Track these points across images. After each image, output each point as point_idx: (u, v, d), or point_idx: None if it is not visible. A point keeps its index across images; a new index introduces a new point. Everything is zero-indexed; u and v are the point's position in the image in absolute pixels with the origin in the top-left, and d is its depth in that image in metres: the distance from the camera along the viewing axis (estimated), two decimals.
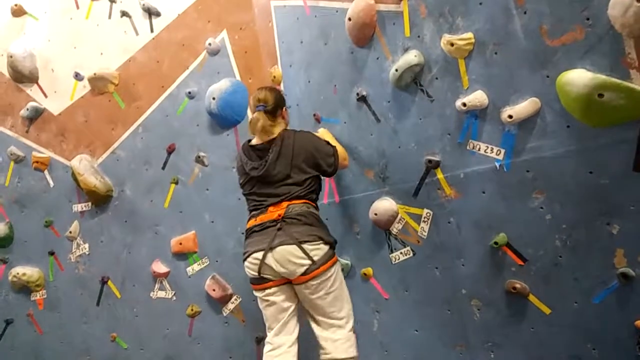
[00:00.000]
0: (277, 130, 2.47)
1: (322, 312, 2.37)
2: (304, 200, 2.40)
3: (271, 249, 2.30)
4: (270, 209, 2.38)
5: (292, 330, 2.43)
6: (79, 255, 3.80)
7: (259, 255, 2.34)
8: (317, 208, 2.49)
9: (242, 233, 3.19)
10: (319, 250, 2.31)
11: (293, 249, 2.28)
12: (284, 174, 2.39)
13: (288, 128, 2.58)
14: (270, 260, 2.32)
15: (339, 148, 2.58)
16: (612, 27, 1.85)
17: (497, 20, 2.14)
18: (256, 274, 2.38)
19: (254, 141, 2.52)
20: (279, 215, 2.33)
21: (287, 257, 2.29)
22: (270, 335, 2.43)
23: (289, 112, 2.71)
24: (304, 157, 2.41)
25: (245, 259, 2.44)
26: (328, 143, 2.51)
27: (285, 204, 2.36)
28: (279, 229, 2.31)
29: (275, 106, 2.48)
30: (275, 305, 2.39)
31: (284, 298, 2.39)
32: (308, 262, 2.27)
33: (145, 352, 3.63)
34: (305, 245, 2.28)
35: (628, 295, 2.04)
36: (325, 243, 2.35)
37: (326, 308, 2.35)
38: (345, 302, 2.42)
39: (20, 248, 3.99)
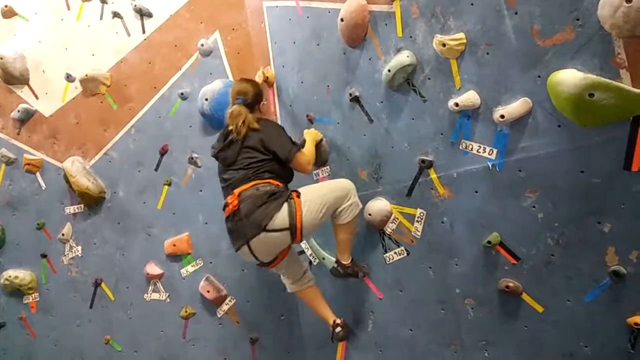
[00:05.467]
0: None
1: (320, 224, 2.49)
2: (252, 183, 2.41)
3: (249, 242, 2.38)
4: (228, 200, 2.43)
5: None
6: (71, 258, 3.78)
7: (244, 249, 2.42)
8: (268, 184, 2.43)
9: None
10: (281, 215, 2.33)
11: (264, 237, 2.34)
12: (230, 160, 2.50)
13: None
14: (255, 250, 2.40)
15: (308, 153, 2.59)
16: (601, 27, 1.87)
17: (489, 20, 2.15)
18: (256, 261, 2.49)
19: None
20: (235, 207, 2.38)
21: (267, 244, 2.39)
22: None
23: (265, 106, 2.80)
24: (255, 144, 2.45)
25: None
26: (294, 143, 2.53)
27: (237, 191, 2.40)
28: (239, 220, 2.36)
29: (254, 100, 2.58)
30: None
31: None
32: (286, 232, 2.34)
33: (139, 355, 3.61)
34: (270, 227, 2.32)
35: (620, 292, 2.06)
36: (280, 205, 2.35)
37: (324, 221, 2.49)
38: (334, 192, 2.48)
39: (12, 251, 3.95)
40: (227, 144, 2.53)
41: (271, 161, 2.47)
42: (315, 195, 2.45)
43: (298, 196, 2.41)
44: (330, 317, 2.69)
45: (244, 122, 2.50)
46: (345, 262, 2.62)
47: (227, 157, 2.52)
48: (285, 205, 2.35)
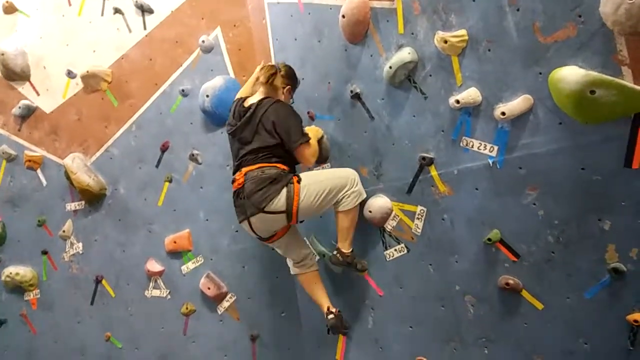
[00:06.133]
0: (266, 93, 2.62)
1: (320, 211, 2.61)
2: (258, 165, 2.50)
3: (248, 218, 2.52)
4: (236, 176, 2.56)
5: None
6: (72, 255, 3.79)
7: (245, 224, 2.56)
8: (274, 168, 2.50)
9: (237, 231, 3.21)
10: (279, 200, 2.44)
11: (262, 216, 2.47)
12: (246, 140, 2.57)
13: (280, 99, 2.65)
14: (254, 226, 2.54)
15: (312, 146, 2.60)
16: (603, 24, 1.87)
17: (490, 17, 2.15)
18: (256, 235, 2.62)
19: (247, 100, 2.67)
20: (240, 184, 2.51)
21: (265, 223, 2.52)
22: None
23: (292, 95, 2.77)
24: (270, 127, 2.51)
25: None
26: (303, 134, 2.56)
27: (244, 170, 2.53)
28: (243, 198, 2.50)
29: (285, 74, 2.65)
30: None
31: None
32: (283, 215, 2.46)
33: (139, 351, 3.62)
34: (267, 208, 2.44)
35: (619, 290, 2.06)
36: (280, 189, 2.44)
37: (323, 209, 2.58)
38: (334, 180, 2.55)
39: (13, 247, 3.96)
40: (244, 122, 2.57)
41: (281, 146, 2.55)
42: (315, 181, 2.53)
43: (298, 181, 2.49)
44: (325, 304, 2.71)
45: (273, 72, 2.60)
46: (345, 251, 2.63)
47: (243, 137, 2.58)
48: (284, 190, 2.45)
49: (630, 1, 1.74)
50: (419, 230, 2.56)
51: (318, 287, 2.75)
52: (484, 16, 2.16)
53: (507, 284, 2.30)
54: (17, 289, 3.94)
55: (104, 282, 3.70)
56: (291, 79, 2.70)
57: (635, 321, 2.03)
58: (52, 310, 3.90)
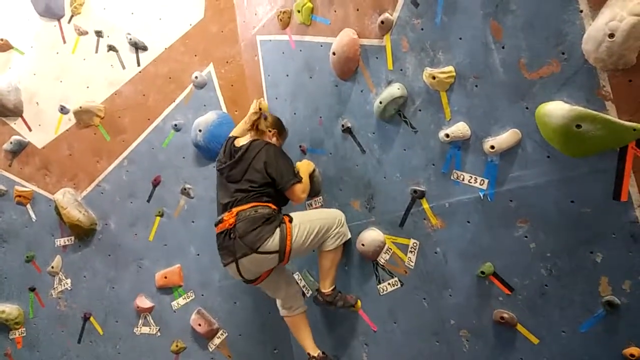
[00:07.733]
0: (257, 135, 2.67)
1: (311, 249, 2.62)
2: (251, 204, 2.48)
3: (237, 260, 2.46)
4: (225, 217, 2.50)
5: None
6: (60, 291, 3.72)
7: (232, 266, 2.50)
8: (267, 207, 2.50)
9: None
10: (273, 240, 2.43)
11: (254, 257, 2.43)
12: (235, 178, 2.57)
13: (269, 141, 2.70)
14: (242, 268, 2.49)
15: (303, 183, 2.64)
16: (586, 61, 1.92)
17: (477, 54, 2.20)
18: (241, 278, 2.57)
19: (237, 140, 2.71)
20: (230, 225, 2.46)
21: (255, 264, 2.48)
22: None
23: (280, 142, 2.82)
24: (260, 167, 2.53)
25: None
26: (295, 174, 2.61)
27: (235, 210, 2.48)
28: (233, 238, 2.45)
29: (271, 122, 2.72)
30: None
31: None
32: (275, 255, 2.44)
33: None
34: (261, 249, 2.42)
35: (614, 323, 2.04)
36: (274, 229, 2.44)
37: (312, 248, 2.60)
38: (322, 220, 2.59)
39: (0, 284, 3.88)
40: (235, 161, 2.59)
41: (271, 186, 2.56)
42: (305, 220, 2.55)
43: (290, 221, 2.51)
44: (309, 348, 2.67)
45: (257, 120, 2.66)
46: (325, 291, 2.63)
47: (232, 175, 2.59)
48: (278, 230, 2.45)
49: (611, 39, 1.79)
50: (412, 264, 2.54)
51: (303, 331, 2.71)
52: (471, 53, 2.22)
53: (502, 317, 2.28)
54: (2, 327, 3.84)
55: (92, 319, 3.62)
56: (276, 125, 2.76)
57: (632, 355, 2.00)
58: (37, 349, 3.79)
